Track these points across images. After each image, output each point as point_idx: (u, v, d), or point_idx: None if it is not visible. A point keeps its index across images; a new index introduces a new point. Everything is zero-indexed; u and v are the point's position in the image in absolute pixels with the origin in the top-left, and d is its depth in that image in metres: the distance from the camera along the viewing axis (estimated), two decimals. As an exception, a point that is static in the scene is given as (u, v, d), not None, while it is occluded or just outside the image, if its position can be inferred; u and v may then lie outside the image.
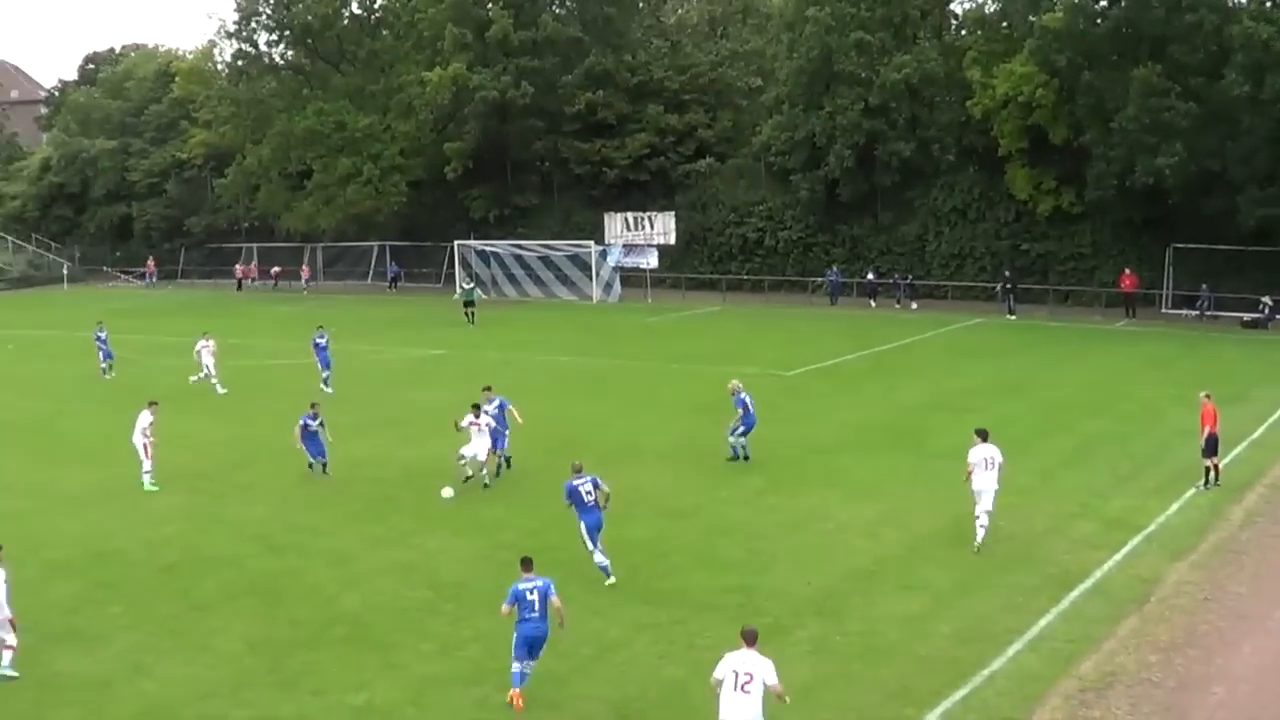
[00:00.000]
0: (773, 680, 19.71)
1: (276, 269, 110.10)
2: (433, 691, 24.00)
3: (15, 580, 29.81)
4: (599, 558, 29.48)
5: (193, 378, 56.21)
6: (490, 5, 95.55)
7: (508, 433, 39.95)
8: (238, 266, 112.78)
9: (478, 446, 37.95)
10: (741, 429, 40.48)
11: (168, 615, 28.66)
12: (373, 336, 68.76)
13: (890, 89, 79.39)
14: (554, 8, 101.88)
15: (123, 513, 37.49)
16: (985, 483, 31.17)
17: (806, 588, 28.11)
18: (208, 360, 56.57)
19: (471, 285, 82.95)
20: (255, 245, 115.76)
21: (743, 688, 19.69)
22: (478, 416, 38.25)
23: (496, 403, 39.63)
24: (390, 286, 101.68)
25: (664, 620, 26.55)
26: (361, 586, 29.83)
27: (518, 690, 23.11)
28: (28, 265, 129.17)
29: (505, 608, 23.32)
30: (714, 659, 22.75)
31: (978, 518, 30.98)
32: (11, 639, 26.07)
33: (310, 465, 40.21)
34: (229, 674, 25.20)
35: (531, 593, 23.20)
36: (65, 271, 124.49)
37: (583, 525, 29.90)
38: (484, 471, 38.28)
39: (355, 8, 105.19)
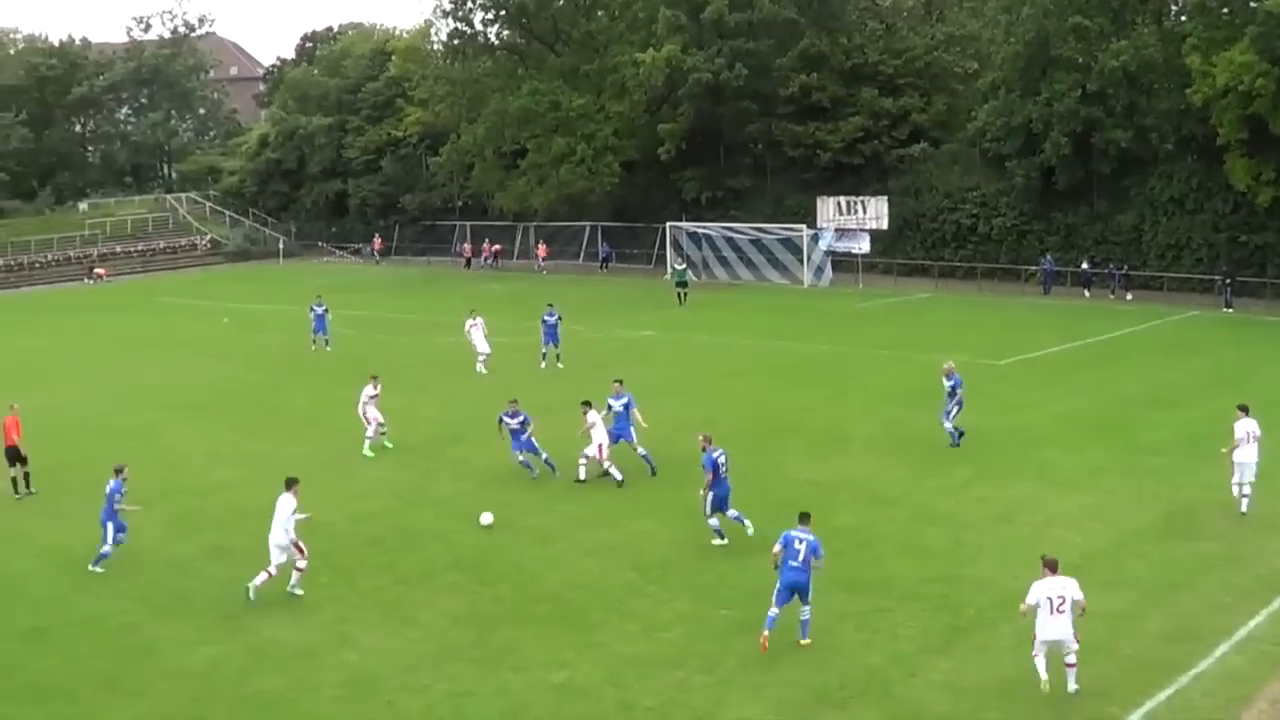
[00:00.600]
0: (1079, 596, 22.81)
1: (497, 246, 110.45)
2: (633, 672, 24.27)
3: (227, 548, 30.77)
4: (714, 522, 31.72)
5: (478, 366, 56.49)
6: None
7: (632, 429, 39.07)
8: (465, 245, 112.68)
9: (595, 440, 37.59)
10: (955, 410, 41.10)
11: (373, 587, 29.38)
12: (583, 317, 69.19)
13: (1108, 75, 77.93)
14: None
15: (332, 485, 38.28)
16: (1247, 455, 33.05)
17: (1013, 581, 27.88)
18: (478, 338, 57.15)
19: (684, 266, 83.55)
20: (468, 224, 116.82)
21: (1057, 609, 22.66)
22: (587, 413, 38.06)
23: (625, 399, 39.20)
24: (601, 267, 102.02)
25: (867, 609, 26.58)
26: (565, 566, 30.25)
27: (766, 634, 24.68)
28: (244, 239, 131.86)
29: (775, 549, 25.33)
30: (916, 649, 22.76)
31: (1239, 486, 32.72)
32: (301, 562, 28.34)
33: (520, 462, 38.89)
34: (432, 647, 25.74)
35: (800, 543, 25.05)
36: (281, 246, 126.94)
37: (712, 495, 31.69)
38: (609, 467, 37.59)
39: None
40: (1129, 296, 76.64)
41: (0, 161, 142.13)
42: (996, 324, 67.97)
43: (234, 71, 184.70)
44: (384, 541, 32.84)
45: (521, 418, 38.55)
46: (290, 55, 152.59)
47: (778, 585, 25.02)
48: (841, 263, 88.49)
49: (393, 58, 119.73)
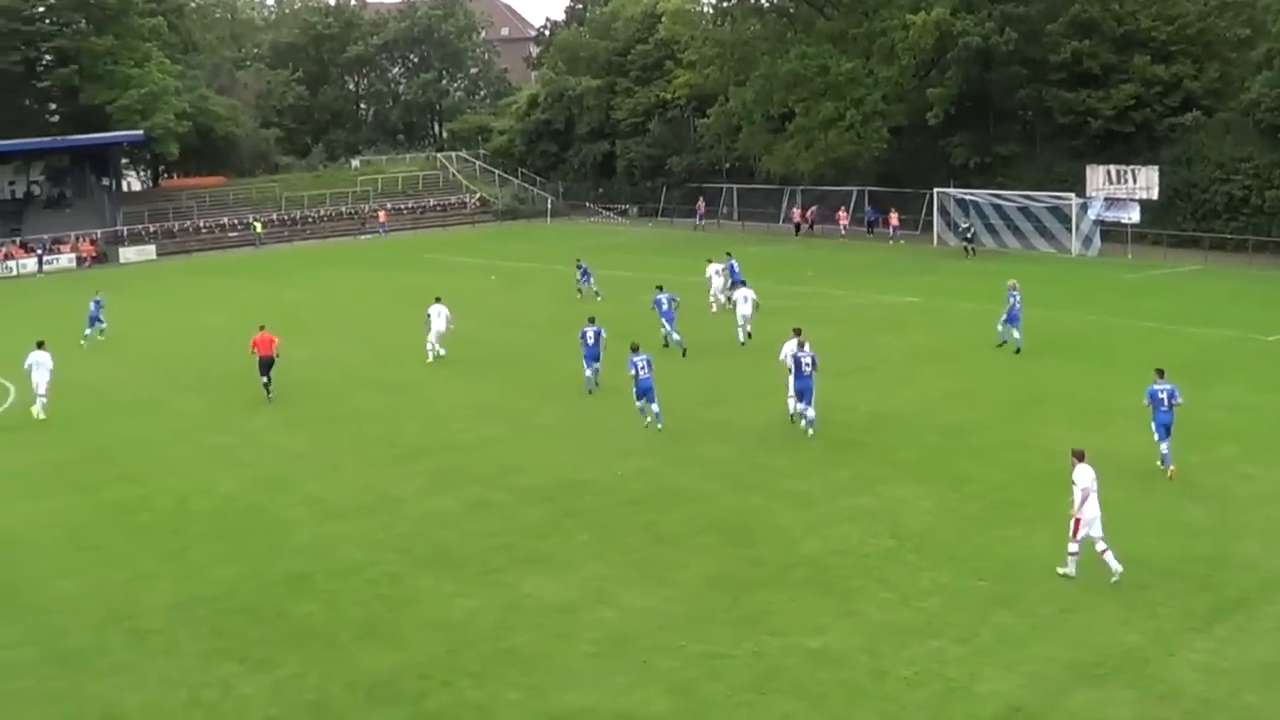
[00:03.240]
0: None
1: (812, 209, 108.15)
2: (889, 640, 24.47)
3: (487, 502, 31.50)
4: (799, 406, 39.83)
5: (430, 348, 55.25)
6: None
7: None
8: (795, 210, 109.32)
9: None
10: (1005, 318, 51.88)
11: (632, 546, 29.93)
12: (848, 281, 69.30)
13: (1393, 44, 75.98)
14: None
15: (594, 444, 39.15)
16: None
17: (1277, 562, 27.56)
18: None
19: (969, 225, 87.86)
20: (736, 186, 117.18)
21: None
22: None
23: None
24: (868, 231, 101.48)
25: (1127, 585, 26.39)
26: (824, 531, 30.50)
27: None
28: (513, 198, 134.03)
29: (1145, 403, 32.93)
30: (1175, 629, 22.63)
31: None
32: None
33: None
34: (688, 608, 26.17)
35: (1163, 393, 34.50)
36: (549, 205, 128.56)
37: (793, 384, 39.95)
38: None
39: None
40: None
41: (277, 119, 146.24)
42: (1267, 298, 66.47)
43: (505, 32, 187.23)
44: (644, 501, 33.37)
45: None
46: (561, 17, 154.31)
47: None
48: (1110, 232, 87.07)
49: (662, 20, 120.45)
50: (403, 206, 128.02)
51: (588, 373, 45.64)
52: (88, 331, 62.70)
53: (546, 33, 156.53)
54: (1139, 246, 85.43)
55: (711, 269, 64.74)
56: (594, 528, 31.28)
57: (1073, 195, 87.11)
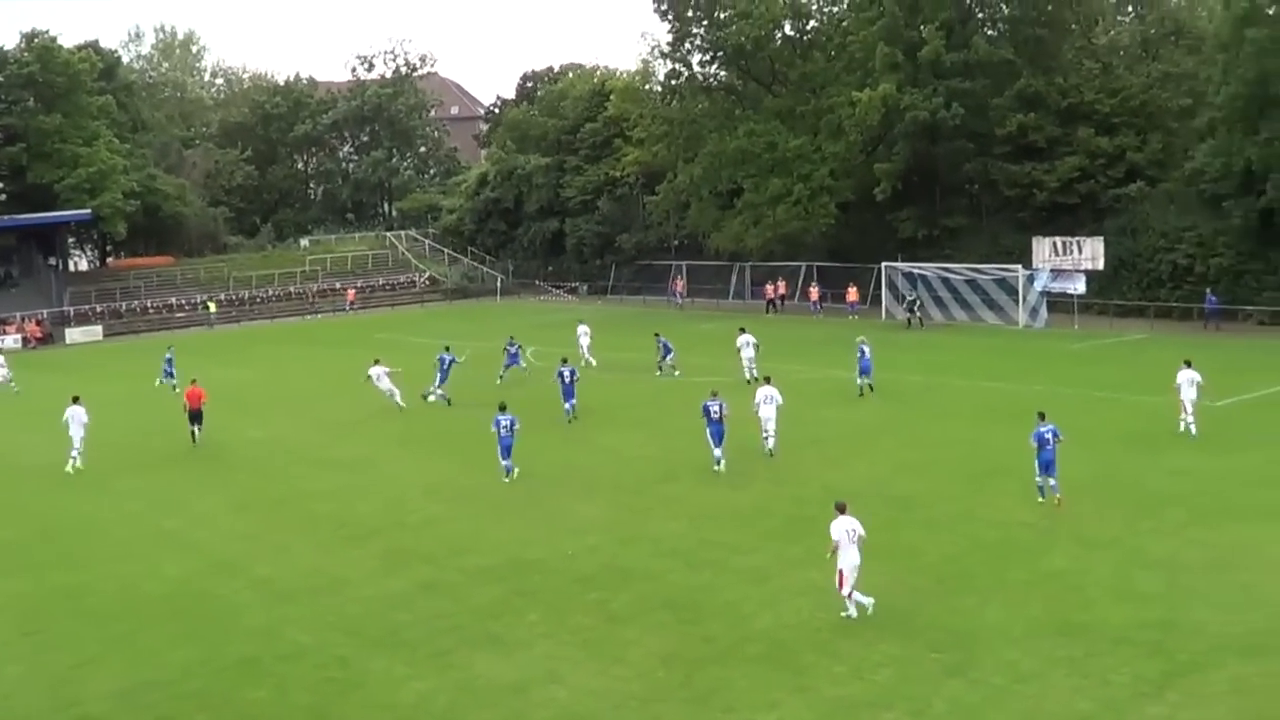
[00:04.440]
0: (864, 532, 29.32)
1: (781, 284, 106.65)
2: (842, 714, 24.46)
3: (438, 583, 31.41)
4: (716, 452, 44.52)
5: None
6: (922, 27, 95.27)
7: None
8: (768, 287, 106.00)
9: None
10: (859, 371, 59.51)
11: (584, 625, 29.76)
12: (797, 356, 69.35)
13: (1330, 113, 76.85)
14: (986, 29, 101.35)
15: (544, 521, 39.07)
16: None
17: (1228, 626, 27.64)
18: (383, 383, 60.27)
19: (915, 296, 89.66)
20: (685, 263, 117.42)
21: (851, 540, 29.29)
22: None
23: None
24: (816, 307, 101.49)
25: (1079, 654, 26.45)
26: (776, 606, 30.43)
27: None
28: (462, 277, 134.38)
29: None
30: (1128, 695, 22.61)
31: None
32: None
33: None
34: (641, 686, 26.04)
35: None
36: (499, 284, 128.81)
37: (709, 431, 44.86)
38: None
39: (788, 29, 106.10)
40: (1354, 337, 75.21)
41: (226, 198, 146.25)
42: (1214, 364, 66.51)
43: (455, 111, 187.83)
44: (595, 579, 33.25)
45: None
46: (510, 95, 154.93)
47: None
48: (1057, 303, 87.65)
49: (611, 98, 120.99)
50: (351, 286, 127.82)
51: (504, 462, 45.38)
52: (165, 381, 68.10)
53: (496, 111, 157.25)
54: (1085, 317, 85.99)
55: (581, 329, 71.66)
56: (544, 607, 31.12)
57: (1019, 267, 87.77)
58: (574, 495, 42.22)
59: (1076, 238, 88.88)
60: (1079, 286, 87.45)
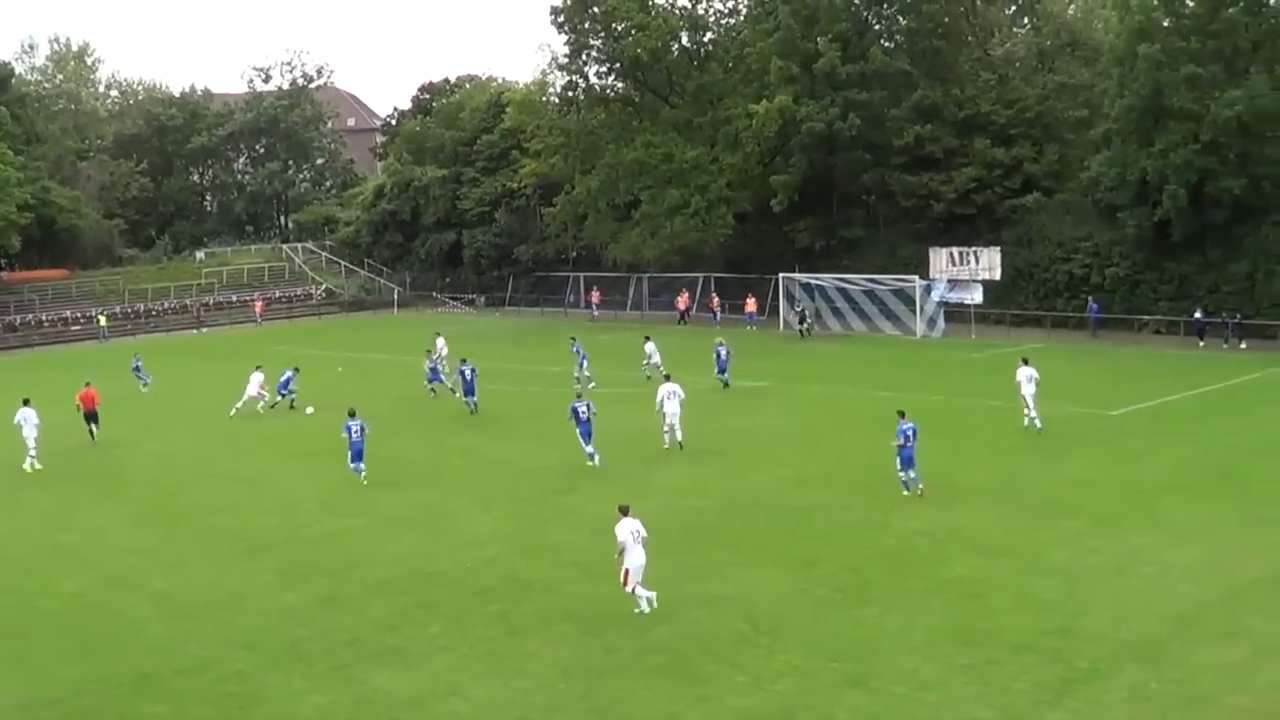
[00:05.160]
0: (645, 533, 30.51)
1: (683, 295, 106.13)
2: (744, 724, 24.36)
3: (337, 596, 31.18)
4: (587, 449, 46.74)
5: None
6: (819, 39, 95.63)
7: None
8: (680, 299, 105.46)
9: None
10: (717, 370, 64.01)
11: (484, 638, 29.55)
12: (698, 366, 69.39)
13: (1222, 125, 77.48)
14: (883, 41, 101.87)
15: (444, 534, 38.88)
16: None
17: (1126, 633, 27.82)
18: (253, 388, 63.48)
19: (803, 308, 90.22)
20: (583, 274, 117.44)
21: (637, 541, 30.38)
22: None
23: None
24: (714, 317, 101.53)
25: (979, 661, 26.53)
26: (677, 617, 30.29)
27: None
28: (359, 289, 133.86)
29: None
30: (1028, 703, 22.69)
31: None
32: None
33: None
34: (542, 699, 25.87)
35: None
36: (396, 296, 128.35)
37: (579, 431, 46.86)
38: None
39: (685, 41, 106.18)
40: (1243, 345, 76.04)
41: (121, 210, 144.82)
42: (1109, 374, 67.58)
43: (351, 123, 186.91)
44: (495, 591, 33.06)
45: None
46: (407, 107, 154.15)
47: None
48: (954, 313, 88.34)
49: (508, 110, 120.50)
50: (248, 299, 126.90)
51: (354, 465, 46.36)
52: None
53: (393, 123, 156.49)
54: (982, 326, 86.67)
55: (440, 341, 72.99)
56: (445, 619, 30.89)
57: (916, 278, 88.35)
58: (473, 507, 42.04)
59: (973, 248, 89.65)
60: (976, 296, 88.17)
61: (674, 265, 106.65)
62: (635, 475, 44.85)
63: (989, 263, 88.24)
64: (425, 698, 26.25)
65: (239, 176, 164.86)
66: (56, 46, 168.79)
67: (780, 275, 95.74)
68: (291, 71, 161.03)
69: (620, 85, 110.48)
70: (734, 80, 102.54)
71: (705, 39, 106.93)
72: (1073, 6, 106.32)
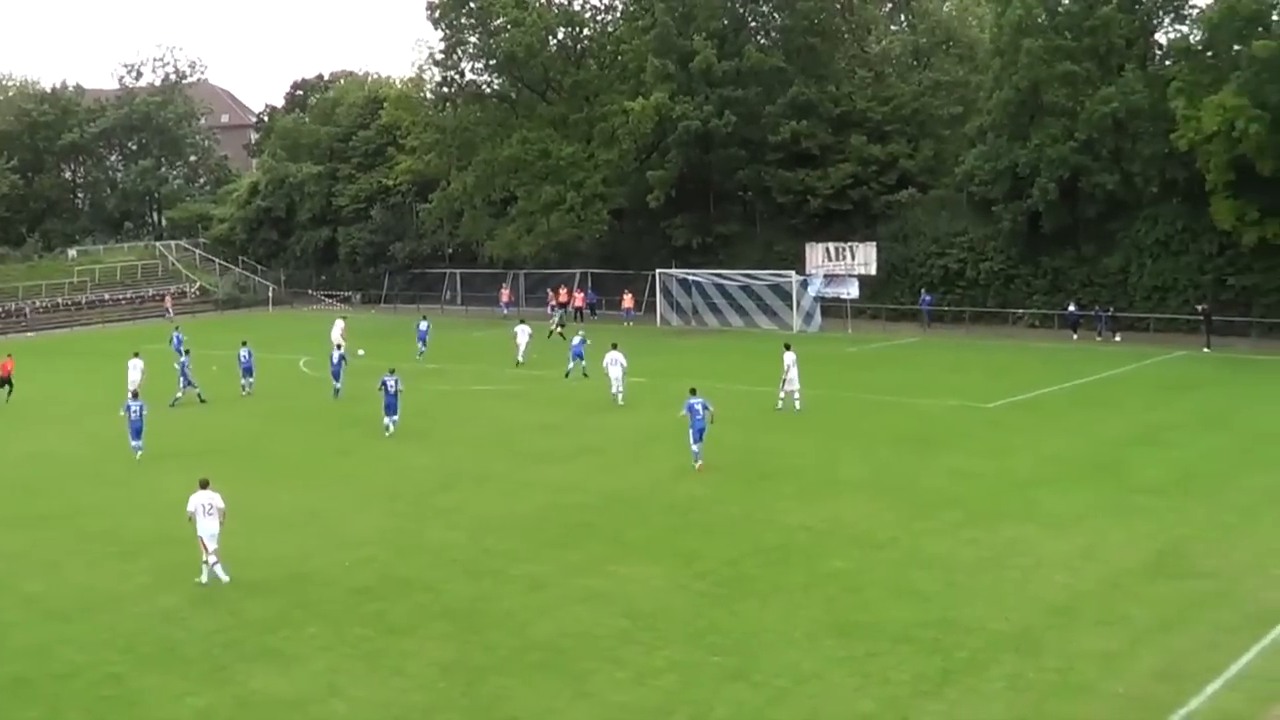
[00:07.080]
0: (223, 504, 33.34)
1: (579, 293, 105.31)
2: (624, 720, 24.26)
3: (214, 598, 30.81)
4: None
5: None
6: (694, 36, 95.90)
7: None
8: (577, 294, 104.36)
9: None
10: (577, 354, 67.96)
11: (362, 637, 29.22)
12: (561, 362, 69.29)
13: (1096, 121, 78.50)
14: (758, 38, 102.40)
15: (321, 534, 38.42)
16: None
17: (1004, 623, 27.98)
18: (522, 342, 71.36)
19: (562, 311, 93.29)
20: (459, 271, 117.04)
21: (207, 513, 33.24)
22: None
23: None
24: (590, 314, 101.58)
25: (859, 653, 26.58)
26: (556, 613, 30.15)
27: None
28: (234, 287, 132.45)
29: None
30: (909, 693, 22.71)
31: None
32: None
33: None
34: (421, 698, 25.61)
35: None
36: (270, 294, 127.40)
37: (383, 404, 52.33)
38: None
39: (561, 38, 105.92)
40: (1116, 338, 77.24)
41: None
42: (984, 367, 68.24)
43: (225, 119, 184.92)
44: (373, 590, 32.72)
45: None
46: (281, 103, 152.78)
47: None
48: (831, 308, 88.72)
49: (384, 106, 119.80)
50: (120, 297, 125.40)
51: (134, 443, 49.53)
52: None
53: (267, 119, 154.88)
54: (859, 321, 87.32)
55: (337, 327, 75.89)
56: (323, 620, 30.52)
57: (793, 273, 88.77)
58: (349, 506, 41.60)
59: (849, 243, 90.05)
60: (852, 291, 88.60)
61: (551, 262, 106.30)
62: (514, 473, 44.71)
63: (865, 258, 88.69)
64: (304, 699, 25.91)
65: (111, 174, 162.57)
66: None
67: (658, 271, 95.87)
68: (164, 67, 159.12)
69: (497, 82, 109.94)
70: (610, 77, 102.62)
71: (582, 35, 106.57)
72: (947, 4, 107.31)
